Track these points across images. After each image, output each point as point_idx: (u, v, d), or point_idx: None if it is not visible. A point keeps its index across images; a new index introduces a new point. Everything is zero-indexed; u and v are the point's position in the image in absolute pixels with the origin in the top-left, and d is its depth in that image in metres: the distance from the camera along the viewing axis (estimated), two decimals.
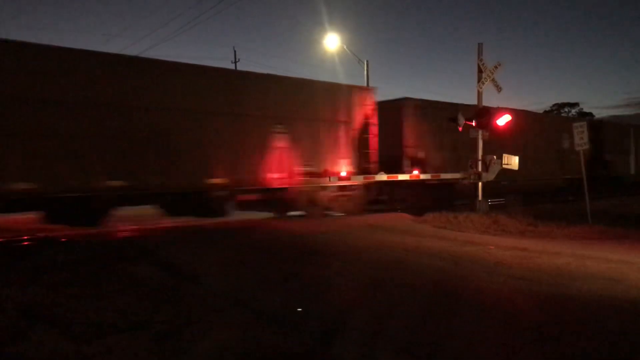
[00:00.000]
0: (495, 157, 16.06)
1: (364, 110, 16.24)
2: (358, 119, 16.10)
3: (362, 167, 16.01)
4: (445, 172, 17.29)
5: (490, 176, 16.14)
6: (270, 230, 12.82)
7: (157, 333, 4.96)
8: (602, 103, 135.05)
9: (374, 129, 16.33)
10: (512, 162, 16.09)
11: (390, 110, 17.47)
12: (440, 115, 17.81)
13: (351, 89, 16.55)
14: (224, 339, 4.86)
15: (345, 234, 11.97)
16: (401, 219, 14.91)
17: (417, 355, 4.52)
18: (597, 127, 25.24)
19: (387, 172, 16.24)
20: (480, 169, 16.10)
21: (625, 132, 28.48)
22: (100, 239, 11.08)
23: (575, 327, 5.21)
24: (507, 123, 15.95)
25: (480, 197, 15.97)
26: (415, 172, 16.76)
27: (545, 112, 46.55)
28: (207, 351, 4.62)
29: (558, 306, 5.95)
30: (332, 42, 28.71)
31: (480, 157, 16.09)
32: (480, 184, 16.08)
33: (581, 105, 51.19)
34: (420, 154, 17.77)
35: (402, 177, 16.48)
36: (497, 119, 15.86)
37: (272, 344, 4.80)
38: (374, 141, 16.31)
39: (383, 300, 6.31)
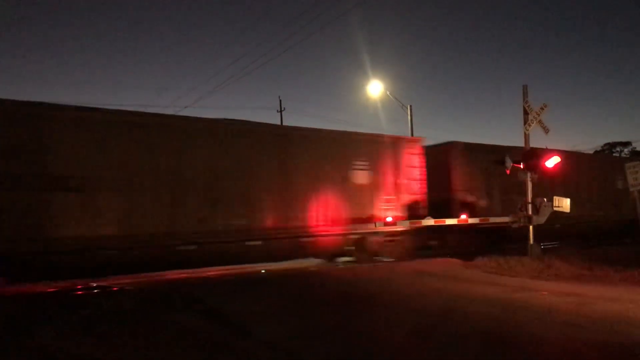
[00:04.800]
0: (545, 199, 15.60)
1: (412, 157, 16.63)
2: (406, 166, 16.44)
3: (410, 212, 16.08)
4: (496, 215, 16.97)
5: (541, 219, 15.65)
6: (318, 278, 12.78)
7: None
8: None
9: (421, 174, 16.59)
10: (564, 204, 15.61)
11: (437, 154, 17.54)
12: (488, 158, 17.62)
13: (398, 139, 17.08)
14: None
15: (393, 281, 11.81)
16: (450, 265, 14.60)
17: None
18: None
19: (437, 216, 16.11)
20: (530, 212, 15.67)
21: None
22: (150, 288, 11.28)
23: None
24: (556, 165, 15.59)
25: (531, 241, 15.48)
26: (463, 217, 16.51)
27: (596, 152, 45.32)
28: None
29: (617, 356, 5.68)
30: (375, 89, 29.01)
31: (529, 200, 15.68)
32: (531, 227, 15.63)
33: (634, 144, 49.49)
34: (469, 198, 17.56)
35: (449, 221, 16.25)
36: (545, 161, 15.51)
37: None
38: (422, 186, 16.57)
39: (432, 350, 6.15)
